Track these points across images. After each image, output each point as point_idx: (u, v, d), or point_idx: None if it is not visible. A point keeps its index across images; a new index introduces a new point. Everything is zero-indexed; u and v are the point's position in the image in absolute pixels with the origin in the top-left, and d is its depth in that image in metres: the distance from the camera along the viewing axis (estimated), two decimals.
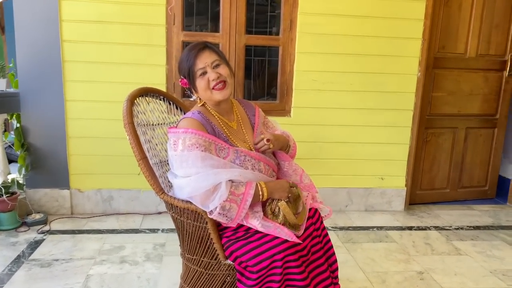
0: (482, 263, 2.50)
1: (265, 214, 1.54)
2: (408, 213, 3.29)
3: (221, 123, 1.63)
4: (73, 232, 2.73)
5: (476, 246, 2.73)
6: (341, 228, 2.94)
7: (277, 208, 1.53)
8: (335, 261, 1.71)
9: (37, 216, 2.83)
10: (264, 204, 1.56)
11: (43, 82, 2.82)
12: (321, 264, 1.62)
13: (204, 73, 1.57)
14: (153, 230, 2.79)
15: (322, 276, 1.61)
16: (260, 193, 1.51)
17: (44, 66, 2.80)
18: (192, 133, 1.50)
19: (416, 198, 3.46)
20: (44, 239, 2.60)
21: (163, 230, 2.79)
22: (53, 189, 2.96)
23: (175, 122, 1.96)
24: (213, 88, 1.57)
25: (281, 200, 1.54)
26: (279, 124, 1.90)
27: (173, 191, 1.60)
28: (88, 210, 3.02)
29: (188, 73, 1.59)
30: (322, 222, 1.72)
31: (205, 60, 1.57)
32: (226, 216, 1.46)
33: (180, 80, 1.65)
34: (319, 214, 1.73)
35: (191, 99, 1.69)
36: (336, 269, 1.71)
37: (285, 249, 1.46)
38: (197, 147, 1.48)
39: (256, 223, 1.49)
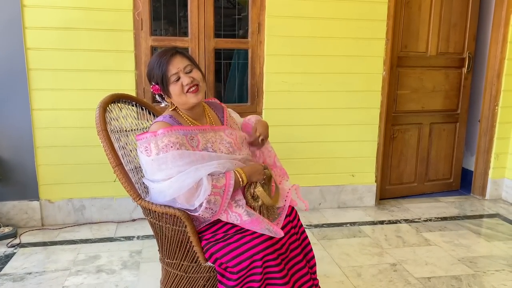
0: (450, 252, 2.62)
1: (246, 200, 1.57)
2: (379, 208, 3.39)
3: (191, 124, 1.65)
4: (45, 244, 2.66)
5: (444, 236, 2.85)
6: (316, 226, 3.00)
7: (255, 192, 1.57)
8: (313, 257, 1.76)
9: (6, 230, 2.74)
10: (243, 191, 1.59)
11: (8, 91, 2.74)
12: (300, 261, 1.66)
13: (178, 78, 1.58)
14: (129, 238, 2.76)
15: (301, 273, 1.65)
16: (240, 179, 1.55)
17: (8, 75, 2.72)
18: (163, 133, 1.50)
19: (386, 193, 3.57)
20: (15, 253, 2.52)
21: (138, 237, 2.76)
22: (22, 201, 2.88)
23: (149, 127, 1.96)
24: (187, 92, 1.58)
25: (257, 184, 1.58)
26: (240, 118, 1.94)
27: (150, 196, 1.60)
28: (60, 220, 2.95)
29: (161, 79, 1.58)
30: (299, 219, 1.77)
31: (177, 65, 1.58)
32: (212, 210, 1.48)
33: (151, 86, 1.64)
34: (296, 211, 1.77)
35: (162, 105, 1.70)
36: (314, 264, 1.76)
37: (264, 248, 1.49)
38: (171, 147, 1.49)
39: (241, 211, 1.53)
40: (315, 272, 1.75)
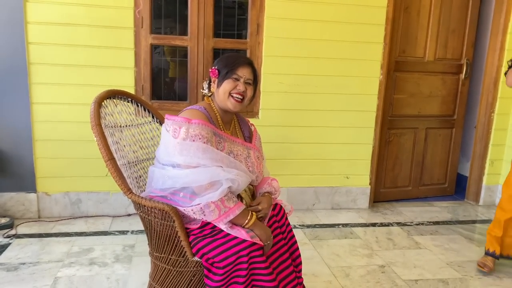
0: (439, 255, 2.65)
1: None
2: (372, 210, 3.42)
3: (220, 123, 1.70)
4: (40, 235, 2.70)
5: (435, 240, 2.88)
6: (308, 226, 3.03)
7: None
8: (299, 255, 1.79)
9: (3, 221, 2.79)
10: None
11: (8, 85, 2.79)
12: (285, 260, 1.69)
13: (236, 80, 1.65)
14: (123, 232, 2.80)
15: (286, 272, 1.68)
16: (247, 219, 1.57)
17: (9, 68, 2.77)
18: (197, 123, 1.56)
19: (380, 196, 3.60)
20: (10, 243, 2.57)
21: (132, 232, 2.80)
22: (19, 193, 2.92)
23: (143, 123, 2.00)
24: (231, 95, 1.64)
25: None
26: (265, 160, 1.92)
27: (157, 183, 1.60)
28: (56, 213, 2.99)
29: (226, 70, 1.65)
30: (286, 218, 1.79)
31: (245, 73, 1.66)
32: (204, 215, 1.51)
33: (212, 68, 1.69)
34: (284, 211, 1.80)
35: (203, 91, 1.74)
36: (300, 263, 1.79)
37: (250, 245, 1.52)
38: (200, 138, 1.54)
39: (222, 226, 1.55)
40: (300, 271, 1.78)
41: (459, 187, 3.91)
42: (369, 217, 3.27)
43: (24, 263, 2.33)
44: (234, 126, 1.79)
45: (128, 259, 2.43)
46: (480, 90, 3.61)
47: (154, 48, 3.02)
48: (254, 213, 1.61)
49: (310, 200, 3.35)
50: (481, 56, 3.70)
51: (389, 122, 3.48)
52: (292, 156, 3.25)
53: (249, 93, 1.69)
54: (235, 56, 1.74)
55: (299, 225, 3.03)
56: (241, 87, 1.65)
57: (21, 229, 2.77)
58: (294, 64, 3.10)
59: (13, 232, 2.72)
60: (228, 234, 1.55)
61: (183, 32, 3.04)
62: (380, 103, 3.29)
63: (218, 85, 1.67)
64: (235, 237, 1.54)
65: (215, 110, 1.71)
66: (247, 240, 1.52)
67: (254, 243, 1.53)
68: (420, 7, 3.37)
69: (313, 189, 3.34)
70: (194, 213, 1.52)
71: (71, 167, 2.95)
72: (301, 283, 1.76)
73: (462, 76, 3.64)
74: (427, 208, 3.54)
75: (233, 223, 1.56)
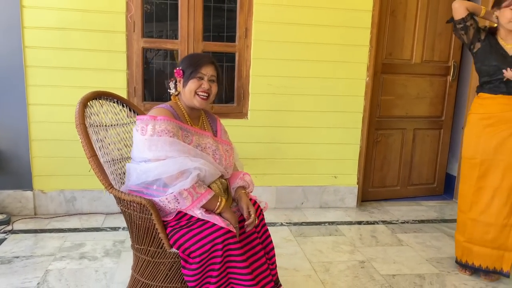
0: (420, 252, 2.72)
1: None
2: (360, 209, 3.50)
3: (187, 119, 1.80)
4: (35, 231, 2.82)
5: (418, 238, 2.95)
6: (295, 224, 3.12)
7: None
8: (272, 248, 1.88)
9: (0, 217, 2.91)
10: None
11: (5, 87, 2.91)
12: (259, 251, 1.77)
13: (201, 78, 1.75)
14: (114, 228, 2.91)
15: (259, 262, 1.76)
16: (217, 204, 1.68)
17: (6, 71, 2.89)
18: (162, 119, 1.66)
19: (368, 195, 3.67)
20: (6, 238, 2.68)
21: (124, 228, 2.90)
22: (16, 191, 3.04)
23: (128, 123, 2.11)
24: (197, 94, 1.75)
25: (214, 184, 1.76)
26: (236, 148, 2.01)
27: (132, 178, 1.70)
28: (52, 210, 3.11)
29: (190, 71, 1.74)
30: (261, 213, 1.88)
31: (208, 71, 1.76)
32: (179, 203, 1.62)
33: (177, 69, 1.78)
34: (259, 206, 1.89)
35: (170, 90, 1.83)
36: (273, 256, 1.88)
37: (225, 233, 1.62)
38: (166, 133, 1.65)
39: (197, 212, 1.65)
40: (273, 263, 1.87)
41: (448, 187, 3.97)
42: (356, 216, 3.34)
43: (17, 257, 2.44)
44: (202, 121, 1.88)
45: (117, 253, 2.54)
46: (467, 91, 3.68)
47: (145, 51, 3.13)
48: (223, 198, 1.71)
49: (298, 199, 3.44)
50: (468, 59, 3.77)
51: (377, 122, 3.56)
52: (281, 156, 3.34)
53: (214, 90, 1.79)
54: (198, 56, 1.85)
55: (286, 223, 3.12)
56: (205, 85, 1.75)
57: (17, 225, 2.89)
58: (282, 66, 3.19)
59: (9, 228, 2.84)
60: (203, 224, 1.65)
61: (174, 36, 3.15)
62: (367, 105, 3.37)
63: (184, 85, 1.77)
64: (210, 227, 1.63)
65: (182, 108, 1.81)
66: (221, 229, 1.62)
67: (229, 231, 1.63)
68: (406, 10, 3.45)
69: (301, 188, 3.43)
70: (169, 202, 1.62)
71: (66, 165, 3.06)
72: (274, 275, 1.85)
73: (450, 78, 3.71)
74: (415, 207, 3.61)
75: (206, 209, 1.66)
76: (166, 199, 1.62)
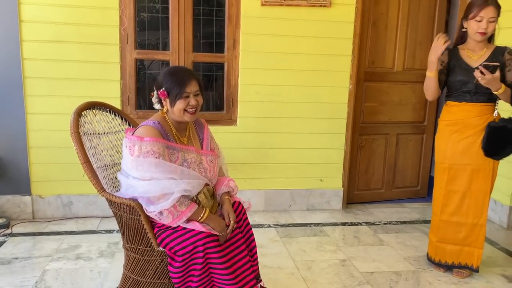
0: (399, 251, 2.87)
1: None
2: (345, 211, 3.65)
3: (175, 136, 1.92)
4: (33, 234, 2.96)
5: (398, 238, 3.10)
6: (282, 225, 3.26)
7: (198, 198, 1.88)
8: (255, 246, 2.03)
9: (0, 221, 3.05)
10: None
11: (5, 97, 3.06)
12: (242, 251, 1.91)
13: (187, 97, 1.84)
14: (109, 231, 3.05)
15: (242, 262, 1.89)
16: (201, 216, 1.80)
17: (6, 82, 3.05)
18: (148, 140, 1.77)
19: (354, 198, 3.83)
20: (5, 241, 2.82)
21: (117, 231, 3.04)
22: (15, 196, 3.19)
23: (120, 131, 2.26)
24: (186, 111, 1.85)
25: (201, 193, 1.88)
26: (222, 149, 2.16)
27: (122, 190, 1.86)
28: (49, 214, 3.25)
29: (175, 92, 1.81)
30: (244, 213, 2.03)
31: (192, 88, 1.84)
32: (160, 219, 1.77)
33: (160, 91, 1.84)
34: (242, 207, 2.04)
35: (156, 106, 1.93)
36: (255, 253, 2.02)
37: (206, 236, 1.77)
38: (152, 154, 1.76)
39: (178, 222, 1.80)
40: (255, 260, 2.02)
41: (432, 190, 4.09)
42: (341, 217, 3.49)
43: (16, 258, 2.58)
44: (189, 132, 2.00)
45: (111, 254, 2.68)
46: None
47: (138, 62, 3.29)
48: (207, 209, 1.85)
49: (286, 202, 3.59)
50: None
51: (361, 128, 3.72)
52: (269, 160, 3.49)
53: (200, 101, 1.89)
54: (179, 74, 1.86)
55: (274, 225, 3.26)
56: (193, 102, 1.84)
57: (16, 229, 3.03)
58: (269, 75, 3.35)
59: (8, 231, 2.98)
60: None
61: (165, 47, 3.31)
62: (350, 111, 3.52)
63: (171, 105, 1.83)
64: (192, 229, 1.78)
65: (170, 123, 1.92)
66: (203, 232, 1.76)
67: (210, 235, 1.77)
68: (387, 21, 3.62)
69: (289, 191, 3.58)
70: (152, 216, 1.78)
71: (63, 171, 3.20)
72: (255, 271, 1.99)
73: None
74: (398, 209, 3.76)
75: (189, 219, 1.80)
76: (149, 214, 1.77)
